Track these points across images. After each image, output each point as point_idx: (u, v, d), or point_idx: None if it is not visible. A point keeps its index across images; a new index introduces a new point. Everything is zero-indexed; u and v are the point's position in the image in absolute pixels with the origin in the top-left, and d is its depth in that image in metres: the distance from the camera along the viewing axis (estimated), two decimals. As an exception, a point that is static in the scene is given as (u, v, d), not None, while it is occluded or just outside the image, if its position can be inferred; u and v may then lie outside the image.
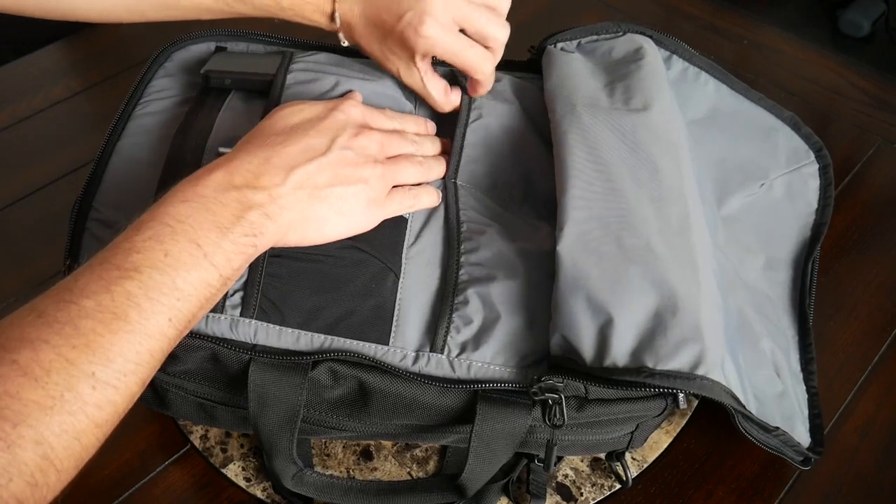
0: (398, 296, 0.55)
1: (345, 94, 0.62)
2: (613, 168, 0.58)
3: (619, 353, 0.51)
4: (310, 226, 0.53)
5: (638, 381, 0.50)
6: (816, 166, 0.73)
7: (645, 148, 0.60)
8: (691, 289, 0.54)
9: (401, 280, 0.55)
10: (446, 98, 0.65)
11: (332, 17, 0.63)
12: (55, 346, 0.40)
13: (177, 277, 0.45)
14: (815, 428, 0.63)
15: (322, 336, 0.54)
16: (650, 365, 0.50)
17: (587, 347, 0.52)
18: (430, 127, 0.65)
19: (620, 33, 0.71)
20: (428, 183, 0.61)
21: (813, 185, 0.73)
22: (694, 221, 0.58)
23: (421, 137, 0.63)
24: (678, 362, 0.50)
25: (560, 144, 0.60)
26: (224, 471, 0.61)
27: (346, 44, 0.66)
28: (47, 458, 0.39)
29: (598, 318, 0.52)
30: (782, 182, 0.72)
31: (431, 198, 0.60)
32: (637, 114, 0.62)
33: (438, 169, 0.62)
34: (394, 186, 0.58)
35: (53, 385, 0.39)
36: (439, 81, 0.65)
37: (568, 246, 0.55)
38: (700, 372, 0.50)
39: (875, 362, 0.70)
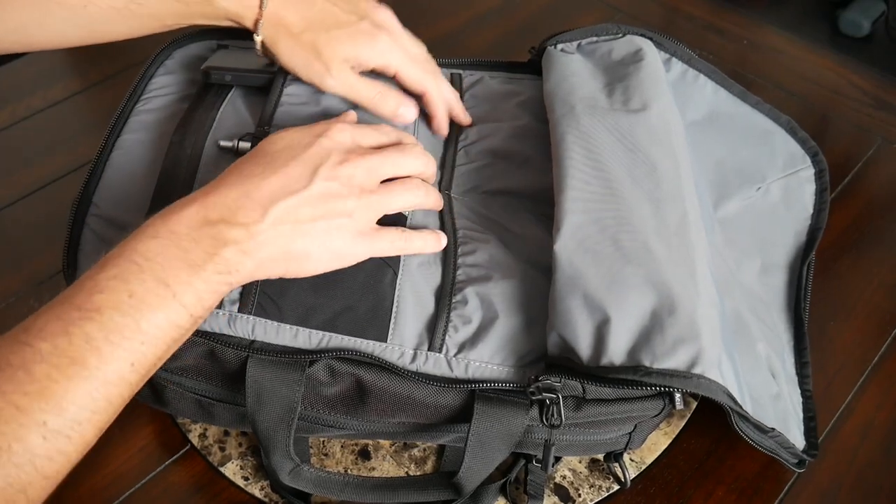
0: (396, 293, 0.55)
1: (338, 116, 0.60)
2: (611, 168, 0.58)
3: (616, 351, 0.51)
4: (290, 262, 0.50)
5: (635, 380, 0.50)
6: (812, 171, 0.73)
7: (643, 148, 0.60)
8: (688, 288, 0.54)
9: (399, 277, 0.55)
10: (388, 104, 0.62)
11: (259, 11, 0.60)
12: (5, 393, 0.38)
13: (141, 320, 0.43)
14: (809, 431, 0.63)
15: (320, 333, 0.54)
16: (647, 363, 0.51)
17: (584, 346, 0.52)
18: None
19: (620, 35, 0.71)
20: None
21: (809, 189, 0.73)
22: (692, 222, 0.58)
23: (422, 151, 0.59)
24: (675, 361, 0.51)
25: (558, 145, 0.60)
26: (222, 469, 0.61)
27: (259, 39, 0.62)
28: None
29: (594, 317, 0.52)
30: (779, 186, 0.72)
31: (425, 242, 0.56)
32: (636, 114, 0.62)
33: (437, 196, 0.59)
34: (389, 221, 0.55)
35: (1, 435, 0.37)
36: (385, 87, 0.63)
37: (565, 245, 0.55)
38: (697, 371, 0.50)
39: (875, 362, 0.70)
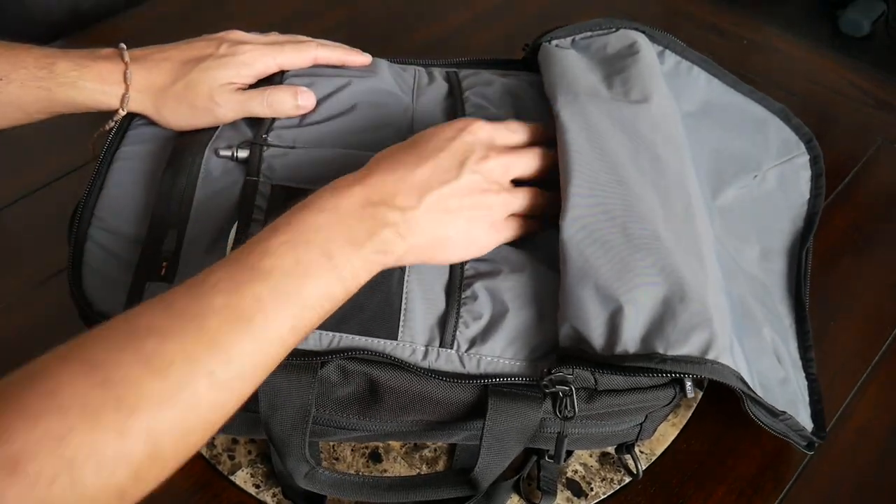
0: (405, 289, 0.55)
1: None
2: (617, 157, 0.58)
3: (630, 340, 0.52)
4: (435, 249, 0.54)
5: (650, 367, 0.51)
6: (807, 157, 0.74)
7: (646, 138, 0.60)
8: (698, 276, 0.54)
9: (407, 274, 0.55)
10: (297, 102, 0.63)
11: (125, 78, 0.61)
12: (180, 341, 0.40)
13: (304, 286, 0.45)
14: (816, 413, 0.63)
15: (330, 333, 0.54)
16: (661, 351, 0.51)
17: (597, 336, 0.52)
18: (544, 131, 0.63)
19: (614, 29, 0.71)
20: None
21: (804, 175, 0.73)
22: (696, 210, 0.58)
23: (545, 153, 0.60)
24: (689, 347, 0.51)
25: (563, 134, 0.59)
26: (232, 478, 0.61)
27: (122, 114, 0.62)
28: (155, 453, 0.39)
29: (607, 307, 0.52)
30: (775, 173, 0.72)
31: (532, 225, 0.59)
32: (637, 105, 0.62)
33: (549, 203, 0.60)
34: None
35: (173, 380, 0.39)
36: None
37: (573, 236, 0.55)
38: (710, 356, 0.51)
39: (875, 362, 0.70)
